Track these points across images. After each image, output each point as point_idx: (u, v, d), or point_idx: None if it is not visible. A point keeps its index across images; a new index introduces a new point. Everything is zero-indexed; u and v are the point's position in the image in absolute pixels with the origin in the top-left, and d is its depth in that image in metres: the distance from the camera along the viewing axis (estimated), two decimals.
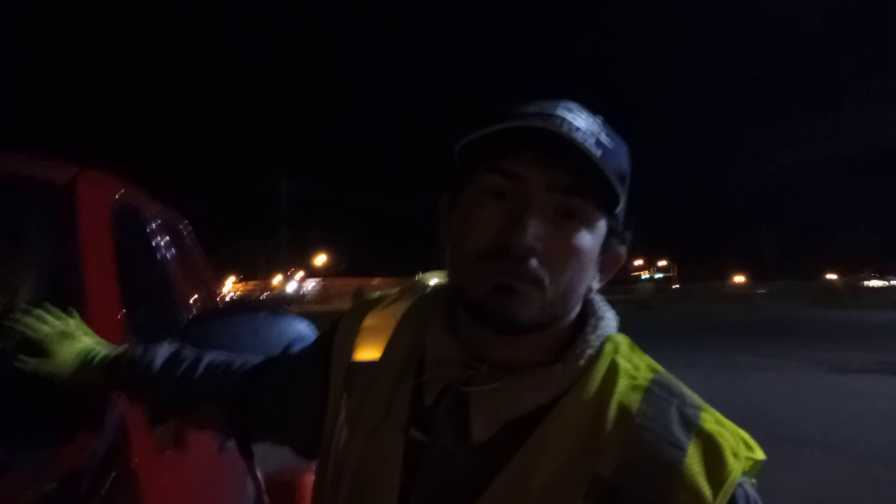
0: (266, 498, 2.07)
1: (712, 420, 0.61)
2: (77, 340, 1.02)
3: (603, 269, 0.69)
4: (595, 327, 0.68)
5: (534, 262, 0.60)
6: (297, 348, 0.97)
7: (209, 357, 0.97)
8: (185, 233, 2.47)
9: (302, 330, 1.19)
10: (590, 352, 0.66)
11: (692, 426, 0.60)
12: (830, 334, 15.44)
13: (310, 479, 2.19)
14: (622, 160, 0.64)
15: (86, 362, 0.99)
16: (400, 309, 0.80)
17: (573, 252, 0.62)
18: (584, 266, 0.64)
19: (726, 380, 8.48)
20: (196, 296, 2.14)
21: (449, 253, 0.68)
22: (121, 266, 1.31)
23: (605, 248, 0.67)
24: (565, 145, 0.59)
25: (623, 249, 0.70)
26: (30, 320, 1.02)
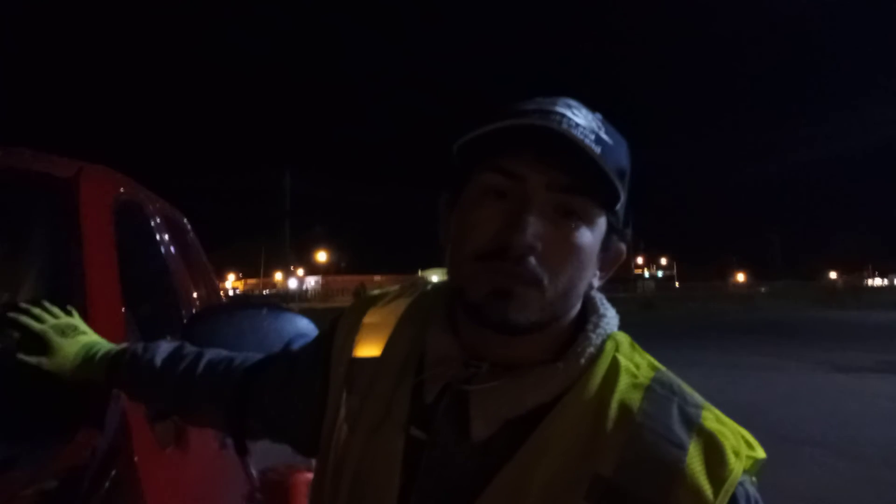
0: (258, 495, 2.08)
1: (713, 418, 0.61)
2: (78, 337, 1.03)
3: (603, 266, 0.68)
4: (596, 325, 0.67)
5: (533, 262, 0.60)
6: (298, 345, 0.97)
7: (210, 354, 0.97)
8: (186, 230, 2.47)
9: (303, 327, 1.20)
10: (591, 350, 0.65)
11: (693, 425, 0.60)
12: (831, 334, 15.45)
13: (301, 478, 2.21)
14: (622, 157, 0.64)
15: (87, 358, 1.00)
16: (401, 306, 0.80)
17: (573, 250, 0.62)
18: (584, 264, 0.63)
19: (726, 379, 8.48)
20: (198, 293, 2.14)
21: (449, 252, 0.67)
22: (122, 262, 1.31)
23: (606, 245, 0.66)
24: (565, 143, 0.59)
25: (623, 246, 0.70)
26: (31, 316, 1.03)
